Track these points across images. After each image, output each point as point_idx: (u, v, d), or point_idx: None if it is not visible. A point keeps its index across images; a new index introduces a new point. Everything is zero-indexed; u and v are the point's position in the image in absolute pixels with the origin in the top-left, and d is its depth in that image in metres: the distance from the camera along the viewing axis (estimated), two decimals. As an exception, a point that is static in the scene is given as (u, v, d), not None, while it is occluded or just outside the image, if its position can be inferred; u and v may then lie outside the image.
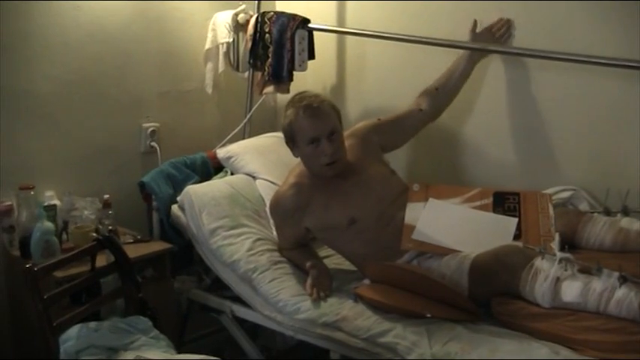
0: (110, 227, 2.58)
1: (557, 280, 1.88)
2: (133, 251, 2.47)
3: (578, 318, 1.85)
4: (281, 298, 2.29)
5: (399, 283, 2.16)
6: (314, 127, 2.30)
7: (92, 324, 2.10)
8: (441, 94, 2.59)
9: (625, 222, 2.16)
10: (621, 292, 1.81)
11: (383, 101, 3.01)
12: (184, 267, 2.82)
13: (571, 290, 1.85)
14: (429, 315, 2.02)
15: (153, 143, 2.99)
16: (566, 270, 1.90)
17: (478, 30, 2.55)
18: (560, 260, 1.92)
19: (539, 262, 1.95)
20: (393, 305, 2.09)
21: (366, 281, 2.28)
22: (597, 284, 1.83)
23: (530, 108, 2.59)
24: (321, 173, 2.38)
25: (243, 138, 3.11)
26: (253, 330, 2.83)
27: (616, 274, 1.83)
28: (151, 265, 2.65)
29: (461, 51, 2.57)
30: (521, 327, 1.93)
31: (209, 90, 3.08)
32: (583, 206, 2.38)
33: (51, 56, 2.68)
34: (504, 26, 2.54)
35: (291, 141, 2.39)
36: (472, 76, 2.63)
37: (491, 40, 2.54)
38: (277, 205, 2.46)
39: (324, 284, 2.29)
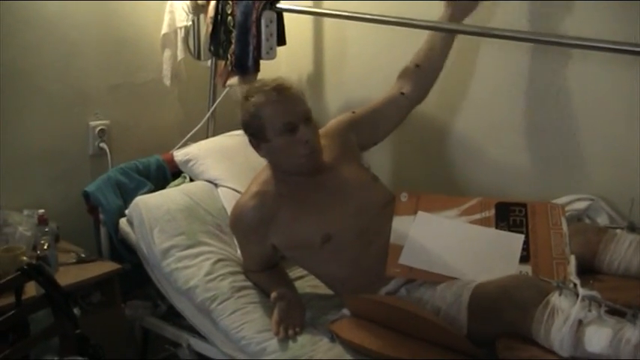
0: (45, 247, 2.27)
1: (580, 324, 1.56)
2: (75, 274, 2.28)
3: (607, 373, 1.52)
4: (244, 334, 1.99)
5: (384, 319, 1.86)
6: (289, 110, 2.05)
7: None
8: (423, 72, 2.31)
9: (656, 241, 1.86)
10: (665, 344, 1.47)
11: (366, 91, 2.77)
12: (140, 287, 2.52)
13: (598, 338, 1.52)
14: (419, 362, 1.72)
15: (102, 144, 2.75)
16: (590, 311, 1.57)
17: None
18: (583, 298, 1.58)
19: (556, 300, 1.62)
20: (375, 350, 1.79)
21: (346, 311, 1.99)
22: (632, 333, 1.49)
23: (538, 100, 2.36)
24: (297, 168, 2.10)
25: (207, 137, 2.84)
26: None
27: (658, 321, 1.48)
28: (98, 288, 2.38)
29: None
30: (534, 378, 1.62)
31: (167, 82, 2.82)
32: (602, 220, 2.14)
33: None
34: None
35: (257, 135, 2.11)
36: (468, 63, 2.44)
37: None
38: (238, 218, 2.18)
39: (294, 319, 1.99)
